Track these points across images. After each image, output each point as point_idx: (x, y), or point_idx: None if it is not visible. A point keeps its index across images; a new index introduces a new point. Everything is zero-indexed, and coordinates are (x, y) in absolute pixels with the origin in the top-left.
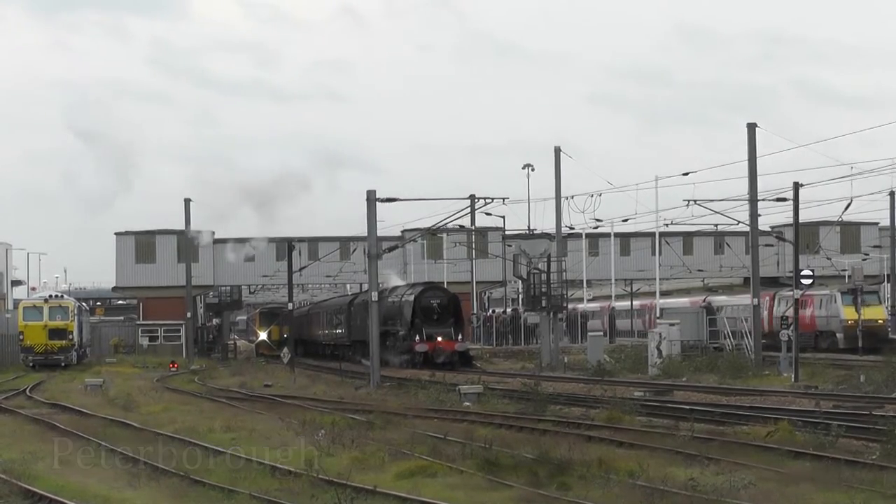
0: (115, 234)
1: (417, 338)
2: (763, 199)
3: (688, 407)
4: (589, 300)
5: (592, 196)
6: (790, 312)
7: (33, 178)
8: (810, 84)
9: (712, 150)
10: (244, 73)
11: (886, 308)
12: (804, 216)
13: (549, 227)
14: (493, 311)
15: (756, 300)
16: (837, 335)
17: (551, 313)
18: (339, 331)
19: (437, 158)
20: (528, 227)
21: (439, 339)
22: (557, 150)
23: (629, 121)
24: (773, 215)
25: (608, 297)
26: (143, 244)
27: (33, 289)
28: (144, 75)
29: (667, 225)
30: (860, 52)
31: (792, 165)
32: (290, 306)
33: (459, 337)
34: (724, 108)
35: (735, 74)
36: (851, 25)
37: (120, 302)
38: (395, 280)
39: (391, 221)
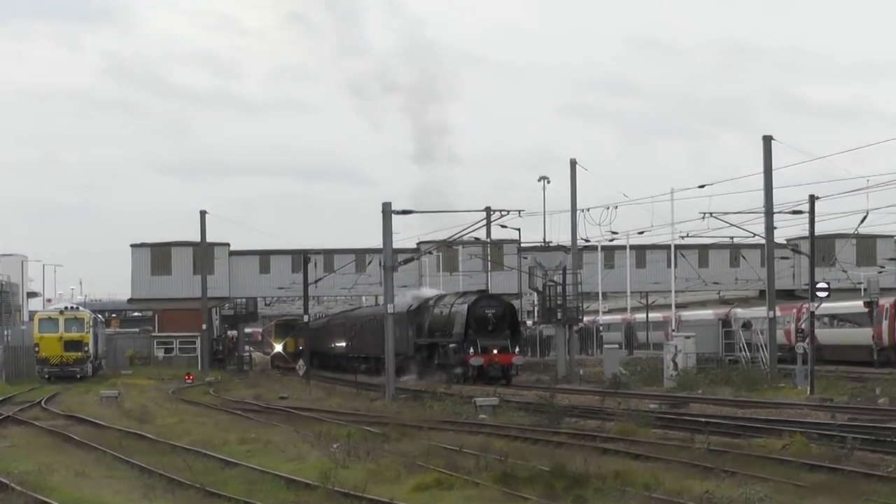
0: (131, 245)
1: (472, 350)
2: (779, 212)
3: (703, 419)
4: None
5: (608, 208)
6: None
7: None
8: (782, 94)
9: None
10: (205, 83)
11: None
12: (820, 229)
13: (562, 239)
14: None
15: (772, 312)
16: None
17: (567, 326)
18: (369, 343)
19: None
20: (544, 239)
21: (495, 351)
22: (573, 163)
23: (607, 133)
24: (789, 228)
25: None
26: (158, 256)
27: (49, 300)
28: (108, 87)
29: (682, 237)
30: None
31: (794, 179)
32: (305, 318)
33: (516, 350)
34: (701, 119)
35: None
36: (812, 34)
37: (135, 314)
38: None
39: (405, 234)
